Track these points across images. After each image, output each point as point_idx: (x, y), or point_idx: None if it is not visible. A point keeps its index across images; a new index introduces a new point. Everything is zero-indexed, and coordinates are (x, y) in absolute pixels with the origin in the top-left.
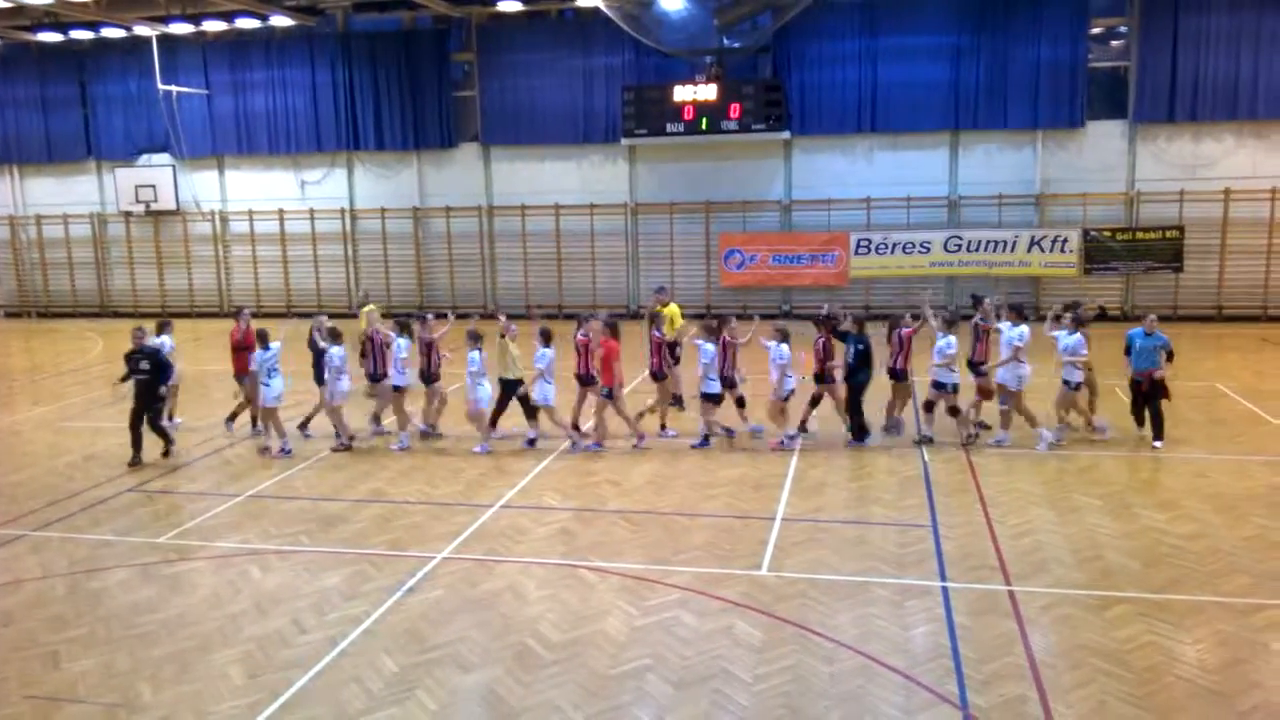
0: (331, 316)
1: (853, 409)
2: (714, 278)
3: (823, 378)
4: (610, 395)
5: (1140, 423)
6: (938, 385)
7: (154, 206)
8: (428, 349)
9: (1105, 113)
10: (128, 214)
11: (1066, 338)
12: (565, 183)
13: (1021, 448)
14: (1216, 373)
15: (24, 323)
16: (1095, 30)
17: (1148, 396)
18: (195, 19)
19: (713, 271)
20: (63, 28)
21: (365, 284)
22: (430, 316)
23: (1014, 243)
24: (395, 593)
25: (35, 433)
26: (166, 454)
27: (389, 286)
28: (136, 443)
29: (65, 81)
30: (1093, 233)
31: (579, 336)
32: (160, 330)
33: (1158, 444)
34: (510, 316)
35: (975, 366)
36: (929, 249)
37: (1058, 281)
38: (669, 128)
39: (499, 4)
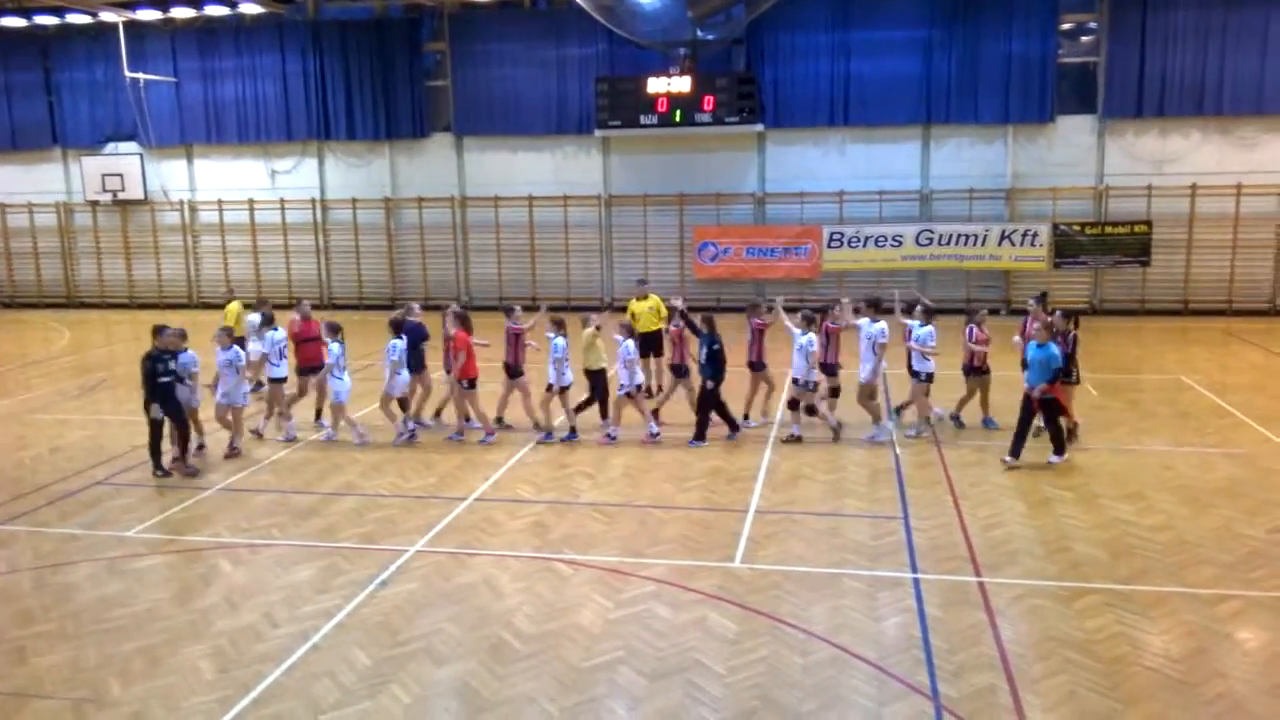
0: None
1: (701, 407)
2: (688, 270)
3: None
4: (471, 387)
5: (1017, 441)
6: (797, 382)
7: (121, 196)
8: (515, 340)
9: (1075, 108)
10: (94, 203)
11: (919, 329)
12: (538, 174)
13: (995, 440)
14: (1182, 366)
15: None
16: (1065, 25)
17: (1046, 416)
18: (163, 5)
19: (686, 264)
20: (26, 13)
21: (232, 279)
22: (518, 308)
23: (984, 236)
24: (368, 586)
25: (0, 425)
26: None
27: (360, 277)
28: (183, 444)
29: (29, 68)
30: (1062, 227)
31: (671, 328)
32: (259, 308)
33: (1054, 459)
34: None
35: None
36: (901, 242)
37: (1028, 275)
38: (643, 120)
39: None
